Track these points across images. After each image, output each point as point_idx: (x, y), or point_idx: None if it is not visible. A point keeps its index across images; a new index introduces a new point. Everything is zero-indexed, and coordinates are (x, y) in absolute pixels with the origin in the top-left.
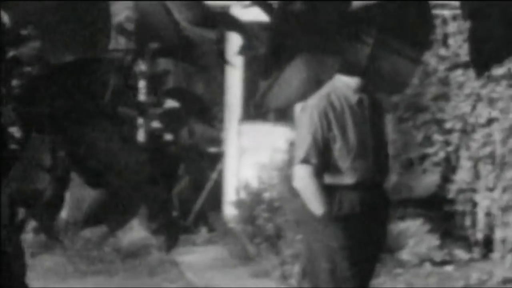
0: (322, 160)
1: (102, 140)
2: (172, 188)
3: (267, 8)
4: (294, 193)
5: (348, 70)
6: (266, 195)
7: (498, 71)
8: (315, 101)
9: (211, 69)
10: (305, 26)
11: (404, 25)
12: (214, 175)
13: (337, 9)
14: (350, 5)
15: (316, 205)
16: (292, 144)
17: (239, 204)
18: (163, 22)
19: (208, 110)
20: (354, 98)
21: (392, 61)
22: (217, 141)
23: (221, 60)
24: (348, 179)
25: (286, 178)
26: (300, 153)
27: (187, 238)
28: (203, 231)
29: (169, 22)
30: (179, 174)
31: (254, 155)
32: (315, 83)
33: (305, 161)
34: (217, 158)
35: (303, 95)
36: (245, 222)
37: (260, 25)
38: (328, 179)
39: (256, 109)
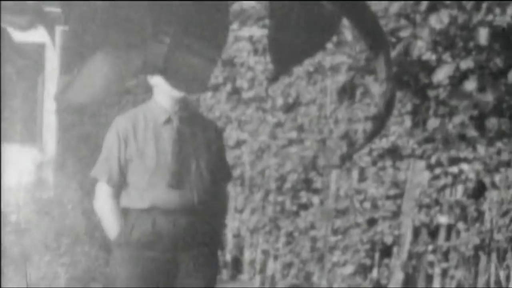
0: (115, 180)
1: None
2: None
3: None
4: (41, 215)
5: (147, 69)
6: (13, 217)
7: (248, 94)
8: (119, 118)
9: None
10: (107, 20)
11: (202, 25)
12: None
13: (140, 4)
14: None
15: (108, 227)
16: (39, 165)
17: None
18: None
19: None
20: (162, 118)
21: (190, 61)
22: None
23: None
24: (141, 203)
25: (33, 199)
26: (94, 169)
27: None
28: None
29: None
30: None
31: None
32: (119, 78)
33: (100, 180)
34: None
35: (107, 91)
36: None
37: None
38: (124, 201)
39: (57, 105)
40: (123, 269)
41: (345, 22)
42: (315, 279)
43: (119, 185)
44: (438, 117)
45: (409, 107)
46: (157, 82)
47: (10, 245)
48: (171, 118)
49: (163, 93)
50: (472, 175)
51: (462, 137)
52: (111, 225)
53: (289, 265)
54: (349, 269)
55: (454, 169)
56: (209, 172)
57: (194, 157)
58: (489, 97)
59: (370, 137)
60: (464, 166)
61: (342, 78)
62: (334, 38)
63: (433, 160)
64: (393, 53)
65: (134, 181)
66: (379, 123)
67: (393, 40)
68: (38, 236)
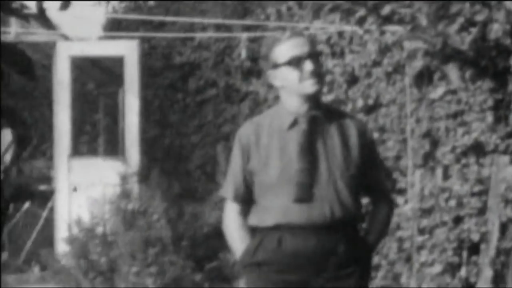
0: (241, 197)
1: None
2: (2, 228)
3: None
4: (126, 226)
5: None
6: (99, 230)
7: (328, 97)
8: (242, 127)
9: (39, 106)
10: None
11: None
12: (45, 213)
13: None
14: None
15: (234, 247)
16: (124, 178)
17: (71, 240)
18: None
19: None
20: (287, 121)
21: None
22: (48, 179)
23: None
24: (267, 220)
25: (119, 211)
26: (223, 187)
27: (19, 278)
28: (36, 270)
29: None
30: (9, 213)
31: (85, 190)
32: None
33: (227, 197)
34: (48, 195)
35: None
36: (78, 258)
37: (89, 60)
38: (253, 219)
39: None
40: None
41: (422, 7)
42: (404, 280)
43: (247, 202)
44: None
45: (490, 102)
46: (284, 81)
47: (97, 257)
48: (297, 121)
49: (291, 93)
50: None
51: None
52: (236, 245)
53: (377, 267)
54: (437, 268)
55: None
56: (346, 181)
57: (326, 164)
58: None
59: None
60: None
61: (418, 64)
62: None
63: None
64: (469, 38)
65: (260, 196)
66: None
67: (470, 25)
68: (125, 247)
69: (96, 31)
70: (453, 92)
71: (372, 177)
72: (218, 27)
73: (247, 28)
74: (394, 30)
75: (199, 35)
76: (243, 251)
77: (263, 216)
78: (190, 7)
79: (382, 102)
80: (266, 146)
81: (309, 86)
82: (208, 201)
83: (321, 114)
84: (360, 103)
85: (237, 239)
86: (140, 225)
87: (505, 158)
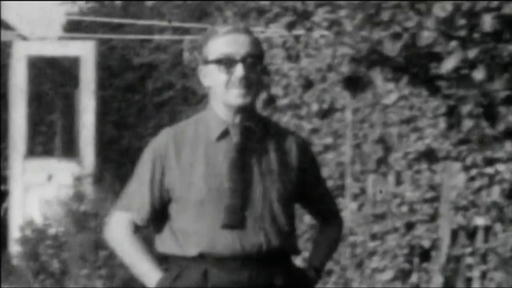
0: (145, 217)
1: None
2: None
3: None
4: (78, 228)
5: None
6: (51, 231)
7: (283, 101)
8: (159, 136)
9: None
10: None
11: None
12: None
13: None
14: None
15: (139, 268)
16: (78, 179)
17: (23, 241)
18: None
19: None
20: (217, 130)
21: None
22: (3, 179)
23: None
24: (188, 249)
25: (71, 212)
26: (120, 201)
27: None
28: None
29: None
30: None
31: (39, 191)
32: None
33: (122, 209)
34: (3, 196)
35: None
36: (29, 259)
37: (46, 60)
38: (167, 245)
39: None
40: None
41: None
42: (355, 285)
43: (147, 224)
44: (472, 118)
45: (443, 109)
46: (213, 82)
47: (49, 259)
48: (228, 131)
49: (217, 99)
50: (508, 176)
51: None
52: (143, 265)
53: (329, 273)
54: (388, 274)
55: (490, 170)
56: (283, 204)
57: (261, 184)
58: (497, 86)
59: None
60: (500, 167)
61: (345, 69)
62: (335, 28)
63: (468, 161)
64: (399, 45)
65: (178, 219)
66: None
67: (399, 30)
68: (76, 250)
69: (56, 31)
70: (406, 97)
71: (317, 197)
72: (175, 30)
73: (205, 30)
74: (321, 36)
75: (157, 37)
76: (158, 282)
77: (182, 243)
78: (149, 9)
79: (336, 107)
80: (189, 159)
81: (234, 97)
82: None
83: (256, 126)
84: (315, 107)
85: (140, 255)
86: (92, 227)
87: (457, 165)
